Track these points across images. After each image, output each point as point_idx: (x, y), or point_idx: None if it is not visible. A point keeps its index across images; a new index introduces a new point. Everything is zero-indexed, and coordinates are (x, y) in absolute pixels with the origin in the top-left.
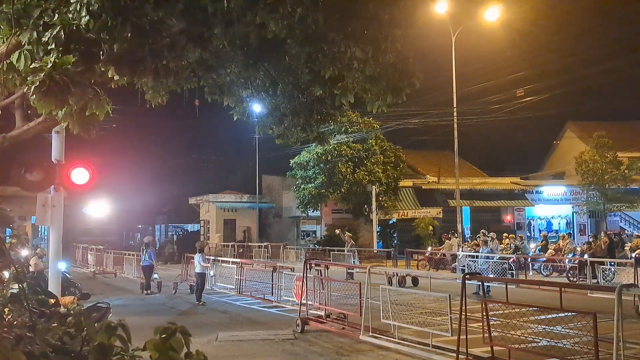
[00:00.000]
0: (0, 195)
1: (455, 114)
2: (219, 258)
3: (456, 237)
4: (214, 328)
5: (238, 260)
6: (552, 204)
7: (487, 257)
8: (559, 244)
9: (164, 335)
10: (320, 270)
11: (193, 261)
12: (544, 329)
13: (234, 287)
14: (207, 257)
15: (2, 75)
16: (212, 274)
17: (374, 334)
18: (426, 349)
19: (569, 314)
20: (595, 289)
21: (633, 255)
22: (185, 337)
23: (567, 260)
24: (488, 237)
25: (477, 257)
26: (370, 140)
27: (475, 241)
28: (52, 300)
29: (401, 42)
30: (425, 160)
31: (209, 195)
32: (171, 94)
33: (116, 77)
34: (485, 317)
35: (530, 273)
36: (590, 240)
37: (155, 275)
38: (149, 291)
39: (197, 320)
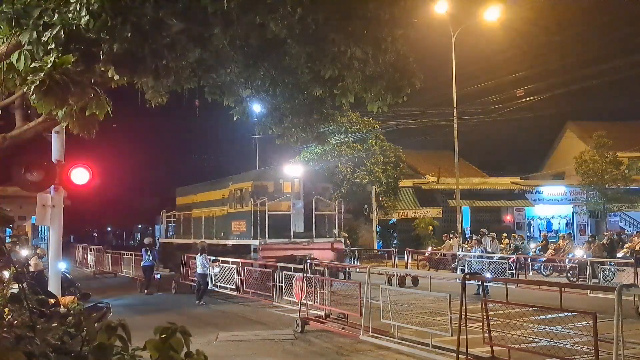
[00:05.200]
0: (0, 195)
1: (455, 114)
2: (219, 258)
3: (456, 237)
4: (214, 328)
5: (238, 260)
6: (552, 204)
7: (481, 257)
8: (559, 244)
9: (164, 335)
10: (320, 270)
11: (193, 261)
12: (544, 329)
13: (234, 287)
14: (208, 257)
15: (2, 75)
16: (216, 271)
17: (374, 334)
18: (426, 349)
19: (569, 314)
20: (595, 289)
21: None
22: (185, 337)
23: (567, 260)
24: (488, 237)
25: (477, 256)
26: (370, 140)
27: (473, 241)
28: (52, 300)
29: (401, 42)
30: (425, 160)
31: None
32: (171, 94)
33: (116, 77)
34: (485, 317)
35: (530, 273)
36: (590, 240)
37: (158, 275)
38: (148, 290)
39: (197, 320)
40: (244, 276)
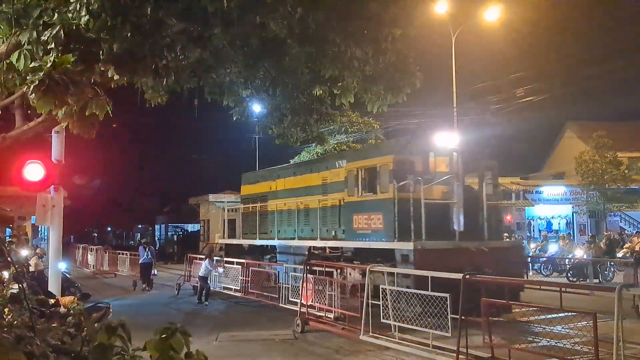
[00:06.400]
0: (0, 195)
1: (455, 114)
2: (224, 258)
3: None
4: (214, 328)
5: (243, 260)
6: (552, 204)
7: None
8: (559, 244)
9: (164, 335)
10: (320, 270)
11: (197, 262)
12: (544, 329)
13: (238, 288)
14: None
15: (2, 75)
16: (220, 271)
17: (374, 334)
18: (426, 349)
19: (569, 314)
20: (595, 289)
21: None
22: (185, 337)
23: (567, 260)
24: None
25: None
26: (370, 140)
27: None
28: (52, 300)
29: (401, 41)
30: None
31: (209, 195)
32: (171, 94)
33: (116, 77)
34: (485, 317)
35: (530, 273)
36: (590, 240)
37: (155, 272)
38: (146, 287)
39: (197, 320)
40: (248, 277)
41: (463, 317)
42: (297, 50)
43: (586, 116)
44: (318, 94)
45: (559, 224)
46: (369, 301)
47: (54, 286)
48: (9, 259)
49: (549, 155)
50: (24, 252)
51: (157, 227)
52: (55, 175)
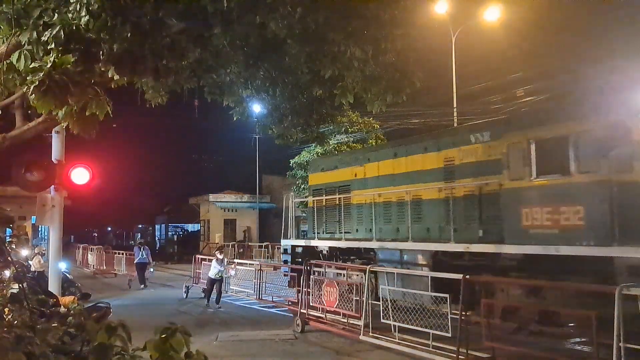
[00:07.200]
0: (0, 195)
1: (455, 114)
2: (234, 260)
3: None
4: (214, 328)
5: (256, 262)
6: None
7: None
8: None
9: (164, 335)
10: (320, 270)
11: (205, 263)
12: (544, 328)
13: (252, 292)
14: (222, 258)
15: (2, 75)
16: (233, 274)
17: (374, 334)
18: (426, 349)
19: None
20: (595, 289)
21: None
22: (185, 337)
23: None
24: None
25: None
26: (370, 140)
27: None
28: (52, 300)
29: (401, 42)
30: None
31: (209, 195)
32: (171, 94)
33: (116, 77)
34: (485, 317)
35: None
36: None
37: (151, 270)
38: (142, 285)
39: (197, 320)
40: (264, 281)
41: (463, 317)
42: (297, 50)
43: None
44: (318, 94)
45: None
46: (369, 301)
47: (54, 286)
48: (9, 258)
49: None
50: (24, 252)
51: (157, 227)
52: (55, 175)
